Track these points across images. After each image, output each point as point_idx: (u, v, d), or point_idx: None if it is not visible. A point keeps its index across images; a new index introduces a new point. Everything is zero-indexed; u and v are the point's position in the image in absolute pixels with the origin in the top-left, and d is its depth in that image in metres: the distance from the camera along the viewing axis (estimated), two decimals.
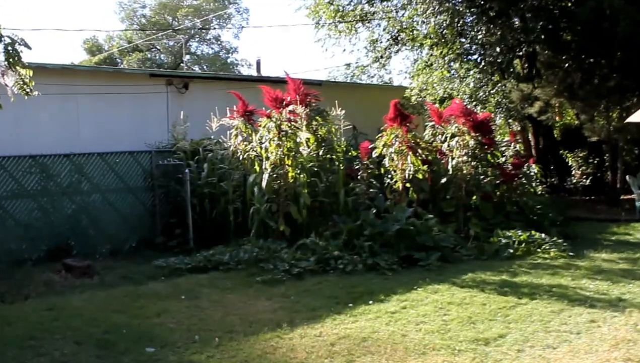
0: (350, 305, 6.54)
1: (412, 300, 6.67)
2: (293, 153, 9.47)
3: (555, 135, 19.03)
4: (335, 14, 16.40)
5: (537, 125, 17.11)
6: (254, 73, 25.44)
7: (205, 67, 39.88)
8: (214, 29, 40.06)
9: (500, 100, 14.96)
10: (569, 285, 7.21)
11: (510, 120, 16.07)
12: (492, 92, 14.85)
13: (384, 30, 16.61)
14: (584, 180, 19.27)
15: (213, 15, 40.01)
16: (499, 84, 14.81)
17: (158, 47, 40.39)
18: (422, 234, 9.06)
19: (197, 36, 41.57)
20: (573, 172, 19.74)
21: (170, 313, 6.46)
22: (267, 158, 9.51)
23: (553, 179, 17.83)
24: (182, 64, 34.93)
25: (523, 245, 9.39)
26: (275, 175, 9.48)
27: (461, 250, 9.34)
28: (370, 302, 6.64)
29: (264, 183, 9.36)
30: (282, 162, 9.49)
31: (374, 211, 9.82)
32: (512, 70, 15.70)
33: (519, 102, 15.08)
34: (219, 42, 42.39)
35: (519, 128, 16.51)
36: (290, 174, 9.49)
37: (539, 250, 9.32)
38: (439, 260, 8.60)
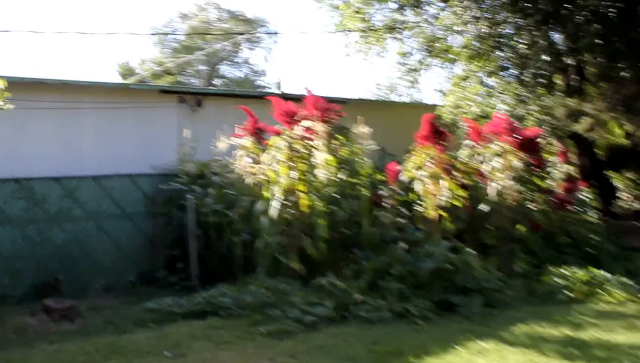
0: None
1: None
2: (308, 176, 8.11)
3: (597, 154, 17.39)
4: (363, 22, 15.19)
5: (581, 143, 15.51)
6: None
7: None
8: (239, 39, 39.38)
9: (541, 116, 13.44)
10: None
11: (551, 139, 14.53)
12: (533, 108, 13.38)
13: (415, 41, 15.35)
14: (634, 204, 17.64)
15: (243, 37, 39.48)
16: (542, 98, 13.33)
17: (190, 70, 40.08)
18: (461, 273, 7.61)
19: (227, 60, 41.13)
20: (619, 195, 18.12)
21: None
22: (278, 182, 8.17)
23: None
24: (210, 86, 34.34)
25: (582, 285, 7.87)
26: (287, 203, 8.13)
27: (506, 291, 7.86)
28: None
29: (273, 212, 8.03)
30: (295, 187, 8.15)
31: (403, 244, 8.41)
32: (554, 83, 14.22)
33: (564, 119, 13.56)
34: (248, 65, 41.96)
35: (559, 147, 14.98)
36: (303, 202, 8.12)
37: (600, 291, 7.80)
38: (482, 305, 7.15)
